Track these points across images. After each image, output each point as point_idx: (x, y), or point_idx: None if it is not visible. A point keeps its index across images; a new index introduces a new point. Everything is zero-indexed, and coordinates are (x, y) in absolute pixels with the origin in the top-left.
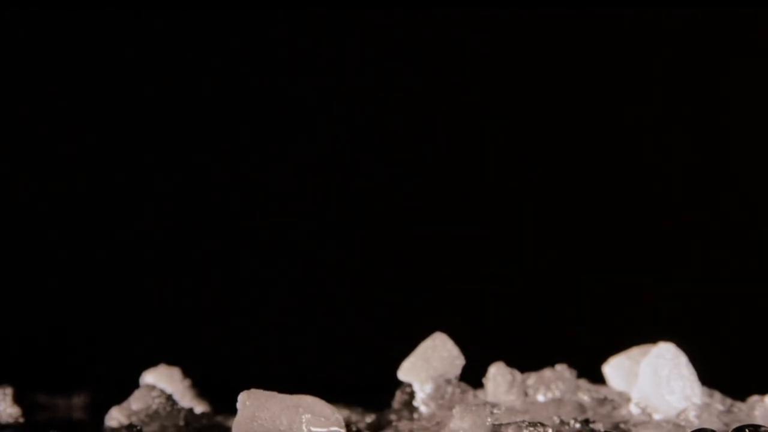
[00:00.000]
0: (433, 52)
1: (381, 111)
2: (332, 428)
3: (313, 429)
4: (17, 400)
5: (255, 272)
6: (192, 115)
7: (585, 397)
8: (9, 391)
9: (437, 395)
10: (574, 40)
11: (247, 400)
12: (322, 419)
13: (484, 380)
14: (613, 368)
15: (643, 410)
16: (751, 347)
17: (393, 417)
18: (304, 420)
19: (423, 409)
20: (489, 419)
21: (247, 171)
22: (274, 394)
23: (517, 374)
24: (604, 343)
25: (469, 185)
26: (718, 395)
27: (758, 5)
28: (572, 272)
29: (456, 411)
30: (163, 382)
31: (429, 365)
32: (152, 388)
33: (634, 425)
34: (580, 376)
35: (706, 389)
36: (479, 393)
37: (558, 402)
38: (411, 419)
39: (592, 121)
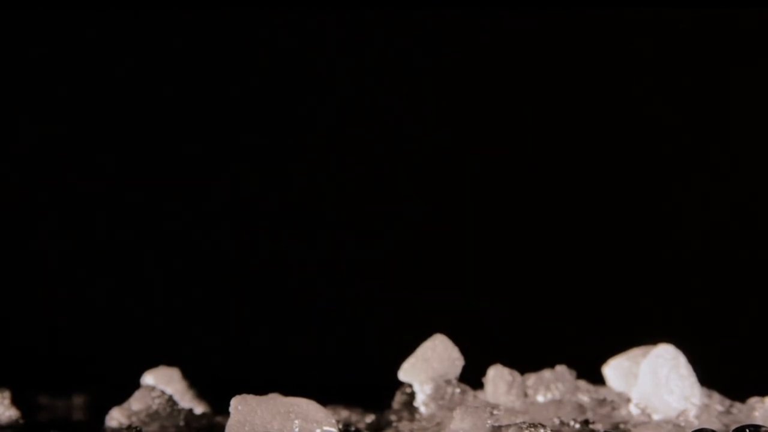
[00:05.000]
0: (434, 54)
1: (380, 110)
2: None
3: None
4: (16, 401)
5: (255, 272)
6: (194, 117)
7: (584, 398)
8: (7, 393)
9: (437, 396)
10: (571, 41)
11: (239, 405)
12: (315, 424)
13: (484, 380)
14: (613, 369)
15: (643, 411)
16: (750, 348)
17: (393, 417)
18: (295, 425)
19: (423, 409)
20: (489, 420)
21: (247, 172)
22: (267, 398)
23: (517, 375)
24: (603, 343)
25: (469, 186)
26: (717, 396)
27: (758, 5)
28: (572, 273)
29: (457, 412)
30: (163, 382)
31: (429, 366)
32: (152, 388)
33: (634, 426)
34: (579, 377)
35: (705, 390)
36: (479, 394)
37: (557, 403)
38: (411, 420)
39: (592, 121)
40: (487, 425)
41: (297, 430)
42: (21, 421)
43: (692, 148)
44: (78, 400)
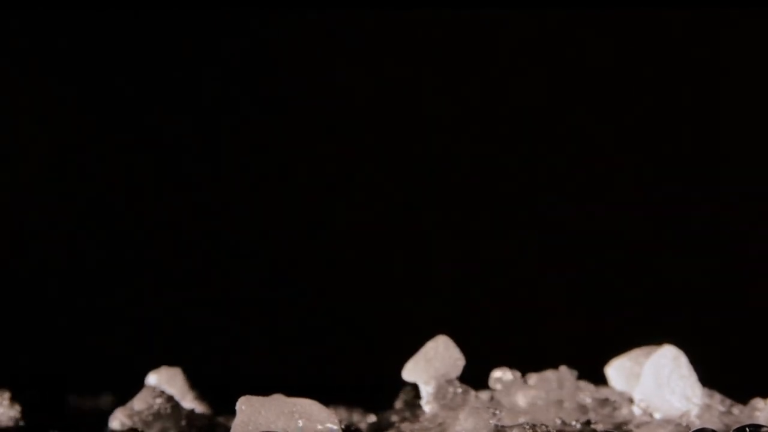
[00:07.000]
0: (434, 53)
1: (379, 109)
2: None
3: None
4: (17, 401)
5: (256, 273)
6: (194, 118)
7: (586, 399)
8: (7, 393)
9: (439, 395)
10: (569, 40)
11: (243, 406)
12: (318, 424)
13: (489, 381)
14: (615, 369)
15: (645, 411)
16: (751, 348)
17: (395, 418)
18: (299, 425)
19: (425, 409)
20: (491, 421)
21: (247, 172)
22: (271, 399)
23: (518, 375)
24: (605, 344)
25: (470, 186)
26: (717, 396)
27: (758, 5)
28: (573, 273)
29: (461, 413)
30: (165, 383)
31: (431, 366)
32: (154, 389)
33: (636, 426)
34: (581, 377)
35: (706, 390)
36: (481, 394)
37: (559, 403)
38: (413, 420)
39: (591, 119)
40: (490, 425)
41: (300, 429)
42: (21, 423)
43: (691, 148)
44: (81, 401)
